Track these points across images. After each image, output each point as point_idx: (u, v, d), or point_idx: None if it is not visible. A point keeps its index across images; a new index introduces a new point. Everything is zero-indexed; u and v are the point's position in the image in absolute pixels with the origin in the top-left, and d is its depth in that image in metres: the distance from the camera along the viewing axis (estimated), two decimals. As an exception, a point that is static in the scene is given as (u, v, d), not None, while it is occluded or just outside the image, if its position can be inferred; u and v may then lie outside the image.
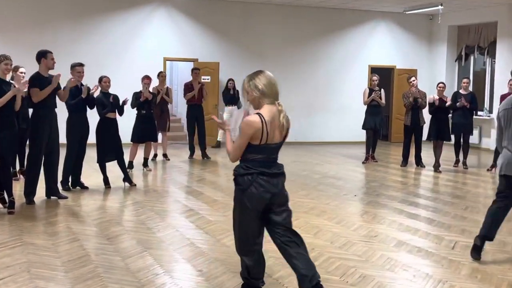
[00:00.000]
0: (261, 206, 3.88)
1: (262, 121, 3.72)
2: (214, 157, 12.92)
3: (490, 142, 15.26)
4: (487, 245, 6.01)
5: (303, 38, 16.39)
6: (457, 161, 12.12)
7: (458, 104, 11.46)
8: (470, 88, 16.14)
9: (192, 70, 12.85)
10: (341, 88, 16.59)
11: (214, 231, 6.38)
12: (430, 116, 11.62)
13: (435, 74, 17.14)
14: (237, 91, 14.94)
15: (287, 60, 16.26)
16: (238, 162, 3.96)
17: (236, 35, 15.90)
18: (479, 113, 15.84)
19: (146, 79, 10.55)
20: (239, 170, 3.87)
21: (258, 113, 3.76)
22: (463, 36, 16.79)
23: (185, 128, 16.71)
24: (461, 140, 11.83)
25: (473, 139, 15.22)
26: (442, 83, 11.74)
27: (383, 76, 15.66)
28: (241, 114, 15.06)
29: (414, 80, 11.83)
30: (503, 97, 11.79)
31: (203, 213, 7.28)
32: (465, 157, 11.93)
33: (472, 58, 16.64)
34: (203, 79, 14.61)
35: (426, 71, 17.46)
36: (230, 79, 14.83)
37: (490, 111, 15.33)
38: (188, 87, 12.56)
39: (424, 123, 11.86)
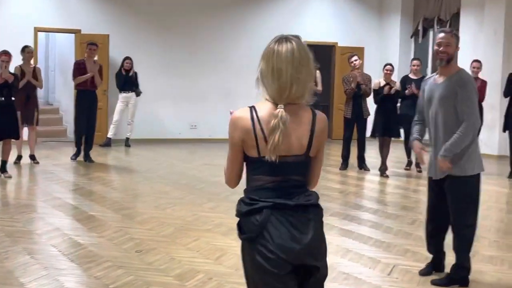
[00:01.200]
0: (287, 266, 2.89)
1: (253, 117, 2.92)
2: (103, 159, 12.63)
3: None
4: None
5: (221, 6, 16.31)
6: (409, 163, 12.34)
7: (406, 91, 11.65)
8: (428, 72, 16.71)
9: (88, 45, 12.44)
10: (269, 70, 16.59)
11: (82, 258, 6.15)
12: (376, 106, 11.77)
13: (386, 53, 17.44)
14: (136, 73, 14.70)
15: (201, 34, 16.13)
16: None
17: (131, 1, 15.62)
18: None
19: (4, 55, 10.17)
20: (240, 207, 3.00)
21: (251, 106, 2.98)
22: (421, 7, 17.16)
23: (64, 120, 16.30)
24: (413, 136, 12.03)
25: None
26: (390, 64, 11.92)
27: (322, 55, 15.78)
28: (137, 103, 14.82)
29: (356, 60, 11.95)
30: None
31: (72, 234, 7.03)
32: (418, 157, 12.15)
33: (431, 33, 17.04)
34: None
35: (376, 49, 17.74)
36: (126, 58, 14.58)
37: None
38: (79, 67, 12.20)
39: (369, 115, 12.00)
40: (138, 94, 14.74)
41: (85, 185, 10.03)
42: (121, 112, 14.68)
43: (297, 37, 3.06)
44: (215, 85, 16.23)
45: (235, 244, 6.77)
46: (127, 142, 14.81)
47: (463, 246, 5.56)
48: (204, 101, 16.17)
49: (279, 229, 2.88)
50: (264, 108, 2.93)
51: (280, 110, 2.88)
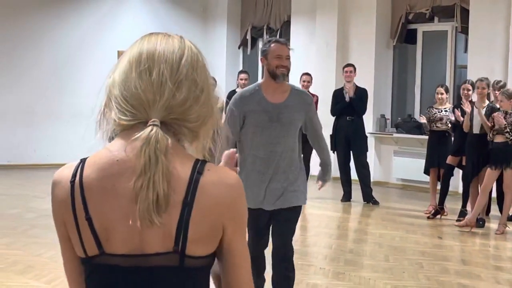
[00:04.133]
0: None
1: (74, 180, 1.91)
2: None
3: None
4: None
5: (19, 11, 16.20)
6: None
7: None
8: (258, 86, 17.43)
9: None
10: (77, 86, 16.58)
11: None
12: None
13: (212, 66, 17.20)
14: None
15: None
16: None
17: None
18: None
19: None
20: None
21: (83, 159, 1.95)
22: (248, 14, 17.92)
23: None
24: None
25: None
26: (211, 78, 12.35)
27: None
28: None
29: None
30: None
31: None
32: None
33: (260, 43, 17.77)
34: None
35: (200, 61, 18.22)
36: None
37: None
38: None
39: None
40: None
41: None
42: None
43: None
44: (12, 104, 15.98)
45: (32, 284, 6.91)
46: None
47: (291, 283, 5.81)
48: (1, 121, 15.90)
49: None
50: (99, 159, 1.91)
51: (153, 129, 1.83)
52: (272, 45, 5.48)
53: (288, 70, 5.51)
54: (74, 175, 1.89)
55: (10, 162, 15.88)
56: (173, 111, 1.89)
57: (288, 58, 5.49)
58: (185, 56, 1.96)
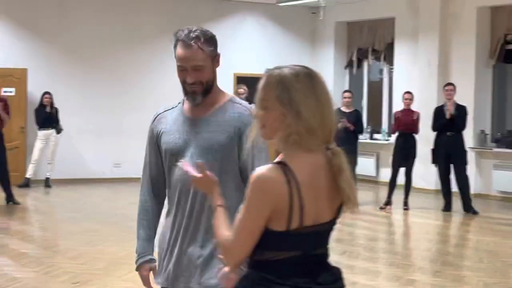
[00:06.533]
0: None
1: (288, 181, 2.60)
2: (23, 200, 13.34)
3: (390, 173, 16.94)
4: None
5: (146, 38, 17.28)
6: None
7: (340, 125, 12.91)
8: (364, 104, 18.17)
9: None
10: (198, 104, 17.52)
11: (21, 290, 7.14)
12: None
13: (321, 85, 18.69)
14: (56, 109, 15.43)
15: (125, 67, 17.10)
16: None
17: (50, 33, 16.49)
18: (375, 136, 17.68)
19: None
20: (246, 285, 2.68)
21: (280, 162, 2.63)
22: (354, 36, 18.67)
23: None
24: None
25: (369, 170, 16.97)
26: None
27: (253, 87, 16.83)
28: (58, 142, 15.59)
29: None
30: (397, 116, 13.50)
31: (7, 270, 8.00)
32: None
33: (366, 64, 18.51)
34: (3, 91, 15.12)
35: (310, 81, 18.97)
36: (46, 93, 15.34)
37: (390, 134, 17.09)
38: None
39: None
40: (59, 131, 15.47)
41: (11, 225, 10.93)
42: (40, 151, 15.44)
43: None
44: (140, 121, 16.70)
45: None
46: (47, 182, 15.56)
47: None
48: (129, 137, 16.80)
49: None
50: (301, 166, 2.65)
51: (334, 148, 2.74)
52: (177, 48, 3.54)
53: (203, 84, 3.42)
54: (286, 177, 2.59)
55: (137, 175, 16.83)
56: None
57: (197, 68, 3.40)
58: None
